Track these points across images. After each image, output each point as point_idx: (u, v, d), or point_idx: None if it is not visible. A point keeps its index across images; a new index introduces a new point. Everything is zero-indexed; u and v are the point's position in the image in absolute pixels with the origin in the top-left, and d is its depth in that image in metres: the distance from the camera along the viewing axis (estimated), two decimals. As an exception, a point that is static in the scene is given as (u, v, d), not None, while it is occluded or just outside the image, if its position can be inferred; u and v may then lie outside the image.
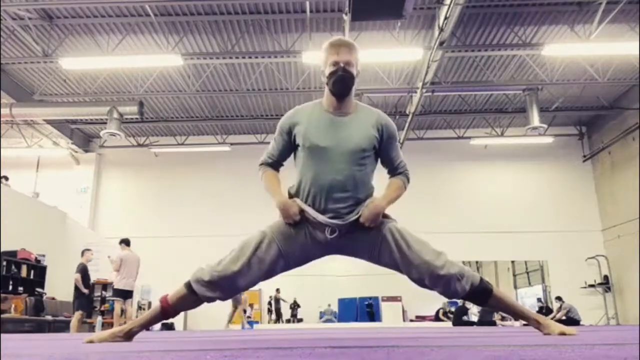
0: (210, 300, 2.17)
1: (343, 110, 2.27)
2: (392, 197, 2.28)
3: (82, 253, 8.83)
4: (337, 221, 2.17)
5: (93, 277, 11.54)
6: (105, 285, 11.92)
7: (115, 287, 8.69)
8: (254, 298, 13.69)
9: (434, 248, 2.18)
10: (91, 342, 2.02)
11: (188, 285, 2.17)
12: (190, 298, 2.15)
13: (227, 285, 2.13)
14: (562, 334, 2.05)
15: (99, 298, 11.90)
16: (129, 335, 2.11)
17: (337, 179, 2.16)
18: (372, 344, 1.47)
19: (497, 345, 1.21)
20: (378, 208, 2.17)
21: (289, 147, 2.33)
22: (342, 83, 2.20)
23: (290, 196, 2.27)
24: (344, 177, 2.17)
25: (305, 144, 2.21)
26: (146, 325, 2.19)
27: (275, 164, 2.39)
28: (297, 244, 2.22)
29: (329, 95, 2.27)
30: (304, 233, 2.22)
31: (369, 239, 2.22)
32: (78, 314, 8.45)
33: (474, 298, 2.16)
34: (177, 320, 12.59)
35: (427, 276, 2.10)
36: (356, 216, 2.18)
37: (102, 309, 11.67)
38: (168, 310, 2.16)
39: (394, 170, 2.36)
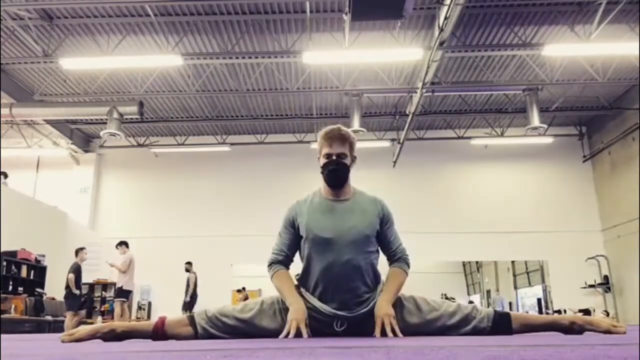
0: (205, 336, 2.15)
1: (341, 196, 2.30)
2: (394, 291, 2.21)
3: (76, 252, 8.77)
4: (345, 313, 2.16)
5: (93, 277, 11.56)
6: (105, 286, 11.93)
7: (124, 288, 8.69)
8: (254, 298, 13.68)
9: (440, 300, 2.24)
10: (71, 335, 1.98)
11: (190, 316, 2.19)
12: (186, 328, 2.15)
13: (227, 327, 2.15)
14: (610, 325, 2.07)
15: (99, 298, 11.90)
16: (111, 336, 2.05)
17: (343, 270, 2.16)
18: (372, 344, 1.47)
19: (496, 345, 1.21)
20: (386, 317, 2.08)
21: (297, 240, 2.30)
22: (334, 175, 2.24)
23: (297, 287, 2.27)
24: (350, 268, 2.17)
25: (308, 235, 2.22)
26: (132, 334, 2.13)
27: (285, 261, 2.31)
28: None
29: (325, 183, 2.30)
30: (312, 317, 2.19)
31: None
32: (70, 315, 8.45)
33: (497, 329, 2.15)
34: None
35: (448, 329, 2.13)
36: (366, 309, 2.18)
37: (102, 309, 11.67)
38: (159, 331, 2.12)
39: (393, 255, 2.33)
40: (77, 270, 8.50)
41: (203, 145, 14.32)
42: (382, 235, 2.29)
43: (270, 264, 2.30)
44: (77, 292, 8.45)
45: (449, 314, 2.15)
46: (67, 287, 8.45)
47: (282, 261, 2.29)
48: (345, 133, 2.27)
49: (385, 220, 2.29)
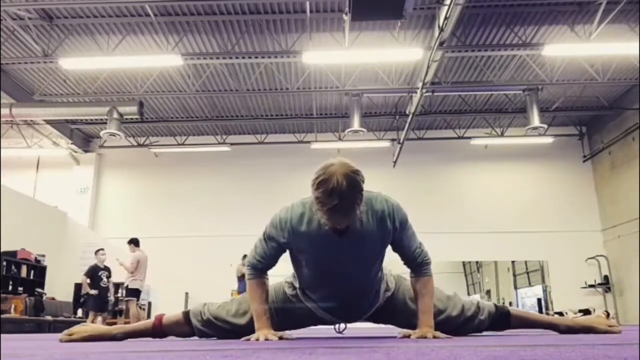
0: (202, 336, 2.16)
1: None
2: (431, 308, 2.01)
3: (96, 252, 8.84)
4: (348, 319, 2.18)
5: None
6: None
7: (130, 287, 8.68)
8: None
9: (446, 295, 2.21)
10: (70, 335, 1.97)
11: (186, 315, 2.17)
12: (183, 327, 2.16)
13: (222, 330, 2.15)
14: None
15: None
16: (110, 338, 2.06)
17: (349, 296, 2.09)
18: (372, 344, 1.47)
19: (497, 345, 1.21)
20: (430, 332, 1.89)
21: (281, 254, 2.05)
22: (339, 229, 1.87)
23: (294, 287, 2.19)
24: (358, 294, 2.10)
25: (308, 264, 2.01)
26: (131, 335, 2.14)
27: (266, 269, 2.06)
28: (297, 320, 2.21)
29: None
30: (308, 317, 2.19)
31: (383, 314, 2.24)
32: (91, 315, 8.48)
33: (496, 326, 2.19)
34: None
35: (452, 329, 2.11)
36: (369, 314, 2.18)
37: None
38: (158, 330, 2.13)
39: (412, 261, 2.05)
40: (90, 271, 8.58)
41: (203, 145, 14.31)
42: (395, 243, 2.02)
43: (248, 266, 2.06)
44: (93, 292, 8.47)
45: (453, 318, 2.16)
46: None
47: (263, 269, 2.06)
48: (351, 203, 1.70)
49: (399, 230, 1.98)
